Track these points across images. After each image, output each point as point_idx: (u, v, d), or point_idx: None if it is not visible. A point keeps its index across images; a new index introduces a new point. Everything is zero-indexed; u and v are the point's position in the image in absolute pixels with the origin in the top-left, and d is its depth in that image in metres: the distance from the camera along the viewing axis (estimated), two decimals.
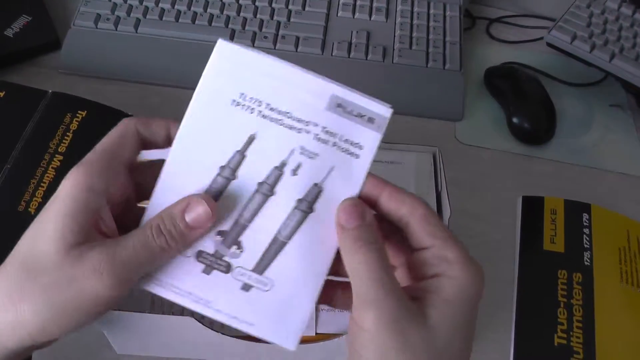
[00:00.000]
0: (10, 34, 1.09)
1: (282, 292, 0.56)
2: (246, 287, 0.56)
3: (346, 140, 0.56)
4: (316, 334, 0.74)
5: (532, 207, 0.97)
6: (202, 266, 0.56)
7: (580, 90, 1.16)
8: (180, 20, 1.13)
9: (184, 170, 0.56)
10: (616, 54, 1.10)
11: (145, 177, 0.59)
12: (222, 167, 0.56)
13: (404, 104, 1.09)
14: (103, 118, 0.92)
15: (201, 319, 0.69)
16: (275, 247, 0.56)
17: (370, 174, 0.56)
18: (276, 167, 0.55)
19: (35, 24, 1.12)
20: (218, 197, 0.56)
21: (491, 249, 0.92)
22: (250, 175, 0.56)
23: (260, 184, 0.56)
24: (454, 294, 0.52)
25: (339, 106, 0.55)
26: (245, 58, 0.56)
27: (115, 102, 0.94)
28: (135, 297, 0.75)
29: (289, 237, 0.56)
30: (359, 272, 0.52)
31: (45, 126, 0.88)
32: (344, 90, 0.56)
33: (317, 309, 0.74)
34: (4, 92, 0.92)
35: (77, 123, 0.89)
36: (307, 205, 0.55)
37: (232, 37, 1.12)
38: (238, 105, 0.56)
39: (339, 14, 1.17)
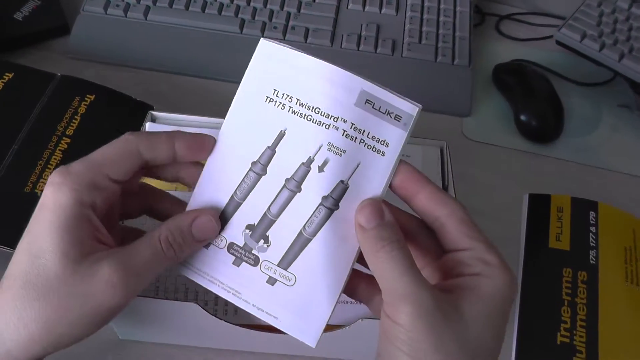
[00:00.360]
0: (19, 18, 1.09)
1: (305, 288, 0.58)
2: (271, 281, 0.58)
3: (373, 137, 0.56)
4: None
5: (539, 205, 0.97)
6: (233, 258, 0.59)
7: (589, 89, 1.16)
8: (190, 8, 1.13)
9: (222, 166, 0.59)
10: (625, 53, 1.10)
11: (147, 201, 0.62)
12: (254, 163, 0.58)
13: (412, 98, 1.06)
14: (111, 103, 0.92)
15: (205, 305, 0.69)
16: (300, 243, 0.57)
17: (413, 170, 0.57)
18: (303, 164, 0.56)
19: (44, 8, 1.12)
20: (249, 192, 0.58)
21: (496, 245, 0.92)
22: (279, 170, 0.57)
23: (287, 180, 0.57)
24: (491, 293, 0.53)
25: (368, 102, 0.56)
26: (283, 55, 0.57)
27: (123, 88, 0.95)
28: None
29: (314, 233, 0.57)
30: (386, 269, 0.53)
31: (53, 109, 0.88)
32: (373, 86, 0.56)
33: None
34: (12, 74, 0.92)
35: (86, 107, 0.89)
36: (332, 202, 0.56)
37: (241, 27, 1.12)
38: (271, 101, 0.57)
39: (349, 7, 1.17)
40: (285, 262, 0.58)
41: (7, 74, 0.92)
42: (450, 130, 1.07)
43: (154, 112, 0.84)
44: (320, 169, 0.56)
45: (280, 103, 0.57)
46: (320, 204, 0.56)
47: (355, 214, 0.56)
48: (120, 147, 0.57)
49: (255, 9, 1.14)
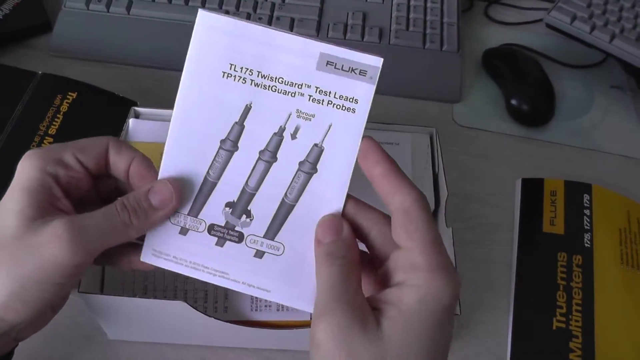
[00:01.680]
0: (0, 16, 1.09)
1: (294, 254, 0.58)
2: (259, 254, 0.58)
3: (340, 97, 0.56)
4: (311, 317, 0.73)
5: (532, 189, 0.97)
6: (215, 239, 0.59)
7: (580, 71, 1.16)
8: (173, 1, 1.13)
9: (185, 150, 0.58)
10: (617, 34, 1.10)
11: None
12: (223, 141, 0.57)
13: (401, 86, 1.08)
14: (94, 100, 0.92)
15: (194, 303, 0.68)
16: (283, 211, 0.58)
17: (372, 142, 0.56)
18: (275, 134, 0.57)
19: (25, 5, 1.11)
20: (222, 170, 0.58)
21: (490, 231, 0.92)
22: (251, 144, 0.57)
23: (261, 151, 0.57)
24: (412, 304, 0.50)
25: (329, 64, 0.55)
26: (228, 27, 0.56)
27: (107, 84, 0.95)
28: (127, 282, 0.74)
29: (296, 199, 0.58)
30: (320, 284, 0.53)
31: (35, 108, 0.88)
32: (332, 47, 0.55)
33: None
34: None
35: (68, 105, 0.89)
36: (310, 166, 0.57)
37: None
38: (229, 77, 0.56)
39: None
40: (271, 232, 0.58)
41: None
42: (440, 117, 1.06)
43: (137, 108, 0.83)
44: (293, 136, 0.57)
45: (240, 77, 0.56)
46: (299, 169, 0.57)
47: (315, 228, 0.56)
48: (93, 139, 0.60)
49: (239, 0, 1.14)
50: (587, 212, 0.93)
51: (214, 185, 0.58)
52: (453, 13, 1.16)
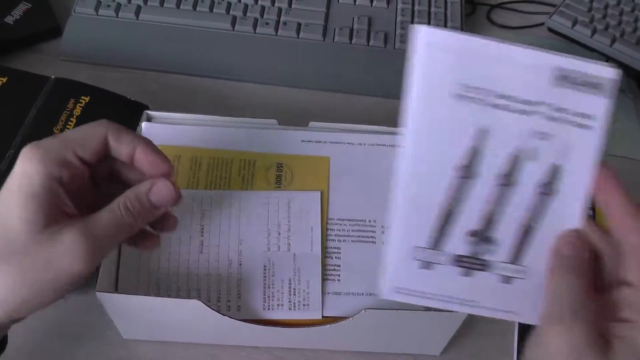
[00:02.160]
0: (10, 21, 1.10)
1: (537, 276, 0.57)
2: (506, 280, 0.57)
3: (576, 114, 0.53)
4: (322, 317, 0.74)
5: None
6: (461, 269, 0.57)
7: None
8: (181, 7, 1.14)
9: (419, 180, 0.55)
10: (617, 38, 1.11)
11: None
12: (459, 167, 0.54)
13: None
14: (106, 103, 0.92)
15: (207, 302, 0.70)
16: (526, 235, 0.56)
17: (610, 171, 0.54)
18: (512, 156, 0.54)
19: (35, 11, 1.12)
20: (460, 198, 0.55)
21: None
22: (488, 168, 0.54)
23: (499, 175, 0.55)
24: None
25: (563, 78, 0.52)
26: (454, 42, 0.52)
27: (116, 88, 0.95)
28: (141, 282, 0.76)
29: (537, 222, 0.56)
30: (556, 293, 0.53)
31: (49, 112, 0.89)
32: (565, 59, 0.52)
33: (323, 293, 0.75)
34: (6, 78, 0.93)
35: (81, 108, 0.90)
36: (549, 188, 0.55)
37: (233, 24, 1.12)
38: (461, 98, 0.53)
39: (340, 0, 1.17)
40: (516, 256, 0.57)
41: (0, 78, 0.92)
42: None
43: (149, 112, 0.84)
44: (530, 157, 0.54)
45: (472, 98, 0.53)
46: (538, 191, 0.55)
47: (556, 237, 0.55)
48: (90, 129, 0.61)
49: (246, 6, 1.14)
50: (590, 212, 0.94)
51: (454, 215, 0.56)
52: (456, 17, 1.17)
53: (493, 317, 0.58)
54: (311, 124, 0.85)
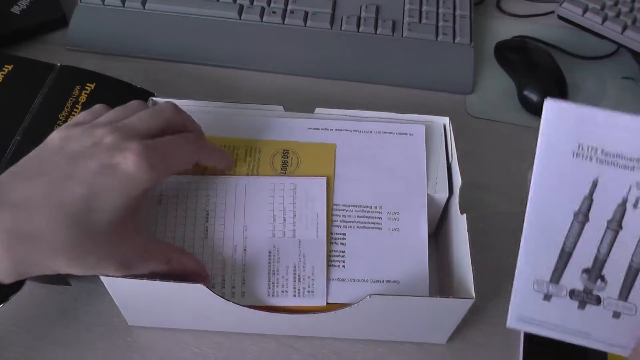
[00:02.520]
0: (17, 11, 1.10)
1: None
2: (616, 315, 0.64)
3: None
4: (327, 304, 0.74)
5: None
6: (576, 303, 0.65)
7: (592, 63, 1.17)
8: None
9: (543, 223, 0.64)
10: (628, 25, 1.10)
11: None
12: (575, 213, 0.63)
13: (414, 78, 1.10)
14: (112, 90, 0.93)
15: (212, 288, 0.70)
16: (632, 273, 0.63)
17: None
18: (619, 204, 0.61)
19: (41, 0, 1.13)
20: (576, 240, 0.63)
21: (501, 220, 0.92)
22: (599, 215, 0.62)
23: (609, 221, 0.62)
24: None
25: None
26: (575, 112, 0.61)
27: (123, 77, 0.96)
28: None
29: None
30: None
31: (54, 99, 0.89)
32: None
33: (328, 279, 0.75)
34: (12, 66, 0.93)
35: (86, 95, 0.90)
36: None
37: (240, 13, 1.12)
38: (578, 156, 0.61)
39: None
40: (624, 294, 0.64)
41: (6, 65, 0.92)
42: (453, 108, 1.07)
43: (154, 99, 0.84)
44: (635, 205, 0.61)
45: (587, 156, 0.61)
46: None
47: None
48: (189, 156, 0.69)
49: None
50: None
51: (570, 254, 0.64)
52: (465, 6, 1.17)
53: (606, 351, 0.66)
54: (317, 110, 0.85)
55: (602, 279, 0.65)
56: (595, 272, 0.64)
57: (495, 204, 0.95)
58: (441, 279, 0.84)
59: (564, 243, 0.64)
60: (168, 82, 1.06)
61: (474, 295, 0.71)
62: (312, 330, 0.80)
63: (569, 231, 0.64)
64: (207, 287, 0.68)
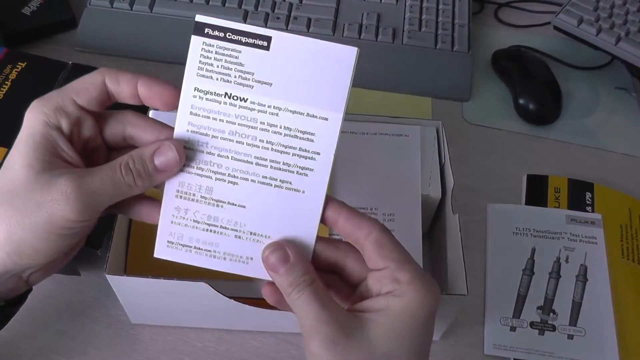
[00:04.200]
0: (27, 12, 1.11)
1: (594, 333, 0.85)
2: (570, 337, 0.85)
3: (584, 236, 0.95)
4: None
5: (537, 185, 1.00)
6: (537, 331, 0.86)
7: (587, 73, 1.18)
8: (194, 0, 1.15)
9: (501, 278, 0.91)
10: (622, 37, 1.12)
11: (112, 128, 0.63)
12: (524, 270, 0.91)
13: (413, 84, 1.11)
14: None
15: (215, 285, 0.70)
16: (576, 307, 0.88)
17: (330, 198, 0.61)
18: (555, 261, 0.91)
19: (51, 2, 1.14)
20: (528, 287, 0.90)
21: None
22: (542, 269, 0.91)
23: (550, 273, 0.91)
24: (399, 311, 0.56)
25: (573, 220, 0.96)
26: (510, 209, 0.98)
27: None
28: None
29: (581, 298, 0.88)
30: (297, 309, 0.58)
31: None
32: (574, 213, 0.98)
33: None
34: (25, 63, 0.95)
35: None
36: (582, 277, 0.90)
37: (245, 18, 1.13)
38: (517, 234, 0.94)
39: None
40: (573, 321, 0.86)
41: (20, 63, 0.94)
42: (451, 115, 1.09)
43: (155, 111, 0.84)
44: (566, 260, 0.91)
45: (525, 234, 0.94)
46: (576, 280, 0.90)
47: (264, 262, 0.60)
48: (89, 77, 0.61)
49: (258, 0, 1.16)
50: (589, 209, 0.97)
51: (525, 297, 0.88)
52: (464, 15, 1.18)
53: None
54: None
55: (554, 312, 0.87)
56: (547, 308, 0.87)
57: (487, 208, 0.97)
58: (434, 277, 0.84)
59: (519, 290, 0.89)
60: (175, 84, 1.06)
61: (467, 291, 0.72)
62: None
63: (520, 282, 0.89)
64: (209, 285, 0.69)
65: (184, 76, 0.59)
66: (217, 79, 0.58)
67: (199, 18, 0.59)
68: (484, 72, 1.16)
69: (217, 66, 0.58)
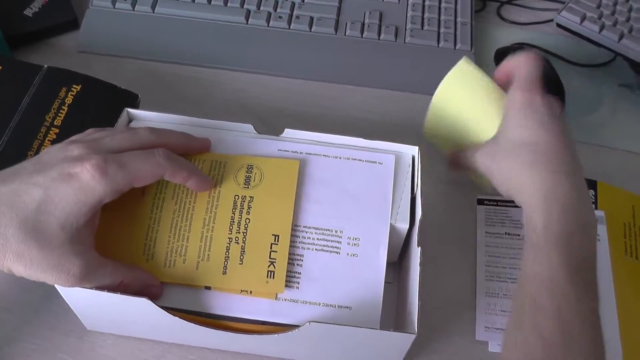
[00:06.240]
0: (29, 14, 1.03)
1: None
2: None
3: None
4: (274, 324, 0.67)
5: None
6: None
7: (590, 70, 1.08)
8: (196, 0, 1.08)
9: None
10: (625, 34, 1.03)
11: None
12: None
13: (416, 83, 1.03)
14: (97, 92, 0.88)
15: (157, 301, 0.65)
16: None
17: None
18: None
19: (54, 3, 1.06)
20: None
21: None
22: None
23: None
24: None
25: None
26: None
27: (132, 80, 0.92)
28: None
29: None
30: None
31: (41, 100, 0.84)
32: None
33: (277, 299, 0.68)
34: (1, 67, 0.88)
35: (72, 97, 0.85)
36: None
37: (247, 18, 1.06)
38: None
39: None
40: None
41: None
42: None
43: (130, 111, 0.77)
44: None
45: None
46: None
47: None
48: (152, 170, 0.63)
49: (260, 0, 1.08)
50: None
51: None
52: (466, 13, 1.10)
53: None
54: (286, 131, 0.78)
55: None
56: None
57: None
58: (399, 307, 0.77)
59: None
60: (175, 84, 1.01)
61: (416, 330, 0.63)
62: (255, 349, 0.75)
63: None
64: (152, 302, 0.64)
65: None
66: None
67: None
68: (487, 69, 1.04)
69: None
